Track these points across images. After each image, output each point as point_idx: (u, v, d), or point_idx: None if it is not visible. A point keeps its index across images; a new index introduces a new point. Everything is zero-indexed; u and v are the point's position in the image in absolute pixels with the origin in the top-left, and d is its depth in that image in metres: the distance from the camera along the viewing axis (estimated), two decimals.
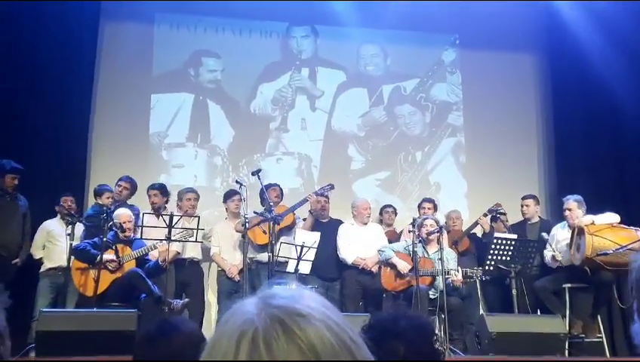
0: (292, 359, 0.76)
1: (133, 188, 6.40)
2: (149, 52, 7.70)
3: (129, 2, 7.60)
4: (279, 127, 7.94)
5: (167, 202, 6.40)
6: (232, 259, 6.32)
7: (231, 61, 7.93)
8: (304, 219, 6.58)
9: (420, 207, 6.92)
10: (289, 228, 6.29)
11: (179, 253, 6.09)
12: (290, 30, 8.14)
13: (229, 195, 6.55)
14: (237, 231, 6.25)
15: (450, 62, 8.39)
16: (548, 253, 6.13)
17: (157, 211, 6.14)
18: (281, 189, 6.65)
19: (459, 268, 5.77)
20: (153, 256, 5.66)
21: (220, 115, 7.81)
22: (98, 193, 6.29)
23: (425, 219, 6.07)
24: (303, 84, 8.10)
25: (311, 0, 7.66)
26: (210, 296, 6.64)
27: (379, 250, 6.08)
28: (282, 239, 5.90)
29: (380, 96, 8.20)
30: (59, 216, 6.22)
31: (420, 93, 8.29)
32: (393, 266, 5.92)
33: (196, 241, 5.77)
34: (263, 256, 6.08)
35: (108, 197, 6.19)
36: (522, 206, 6.71)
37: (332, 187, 6.52)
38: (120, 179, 6.38)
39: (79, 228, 5.84)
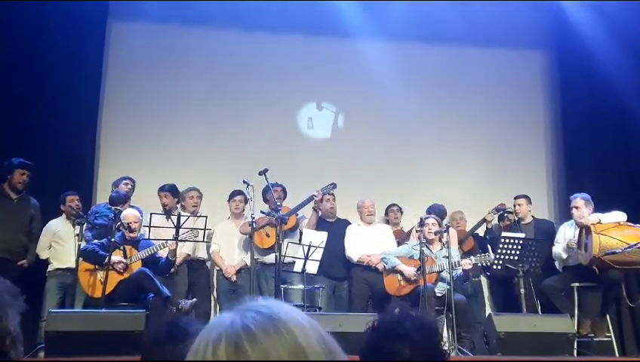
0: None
1: (134, 186, 6.51)
2: (157, 50, 7.72)
3: (136, 2, 7.64)
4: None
5: (178, 203, 6.44)
6: (230, 259, 6.36)
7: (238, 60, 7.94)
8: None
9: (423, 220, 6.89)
10: (292, 230, 6.30)
11: (189, 255, 6.10)
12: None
13: (231, 196, 6.58)
14: (243, 232, 6.26)
15: (457, 60, 8.36)
16: (557, 248, 6.10)
17: (168, 213, 6.15)
18: (284, 189, 6.66)
19: (471, 256, 5.79)
20: (163, 253, 5.69)
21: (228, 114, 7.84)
22: (123, 200, 6.08)
23: (426, 218, 6.04)
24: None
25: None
26: (214, 295, 6.68)
27: (382, 259, 6.08)
28: (288, 240, 5.91)
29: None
30: (64, 215, 6.21)
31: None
32: (399, 273, 5.92)
33: (203, 241, 5.77)
34: (268, 258, 6.11)
35: (129, 204, 6.16)
36: (514, 205, 6.70)
37: (335, 186, 6.52)
38: (124, 178, 6.44)
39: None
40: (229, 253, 6.40)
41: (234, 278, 6.26)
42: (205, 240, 5.84)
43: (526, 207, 6.67)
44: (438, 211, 6.63)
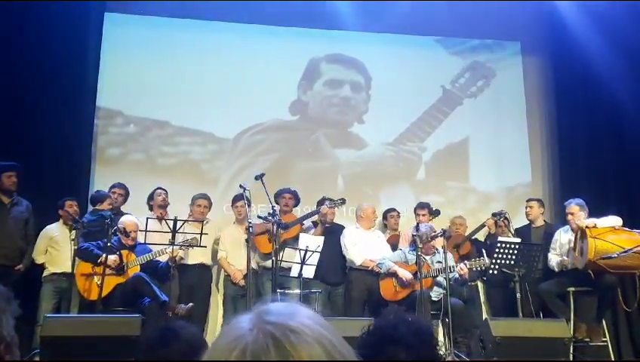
0: None
1: (126, 194, 6.50)
2: (156, 53, 7.71)
3: (134, 3, 7.63)
4: None
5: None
6: (238, 264, 6.35)
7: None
8: (314, 223, 6.57)
9: (415, 213, 6.90)
10: (295, 239, 6.28)
11: (182, 258, 6.11)
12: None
13: (234, 201, 6.58)
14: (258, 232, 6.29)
15: (453, 66, 8.38)
16: (553, 257, 6.13)
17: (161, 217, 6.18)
18: (295, 196, 6.65)
19: (466, 261, 5.77)
20: (162, 258, 5.70)
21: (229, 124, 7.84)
22: (99, 199, 6.20)
23: (429, 233, 5.94)
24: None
25: None
26: (219, 300, 6.67)
27: (377, 263, 6.08)
28: (289, 247, 5.90)
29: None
30: (61, 220, 6.19)
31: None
32: (394, 276, 5.91)
33: (199, 246, 5.76)
34: (267, 263, 6.11)
35: (109, 204, 6.21)
36: (526, 208, 6.71)
37: (344, 202, 6.50)
38: (113, 186, 6.44)
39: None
40: (237, 258, 6.38)
41: (242, 283, 6.25)
42: (202, 245, 5.81)
43: (537, 210, 6.69)
44: (425, 205, 6.78)
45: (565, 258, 6.00)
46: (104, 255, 5.35)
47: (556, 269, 6.10)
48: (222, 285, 6.60)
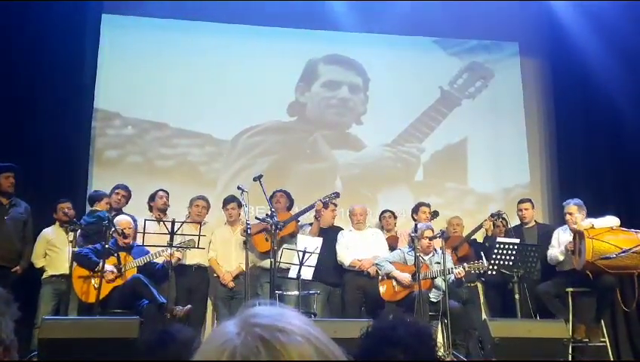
0: None
1: (129, 195, 6.47)
2: (155, 54, 7.70)
3: (133, 2, 7.62)
4: None
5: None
6: (227, 265, 6.34)
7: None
8: (310, 225, 6.57)
9: (417, 211, 6.89)
10: (291, 236, 6.28)
11: (180, 259, 6.10)
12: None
13: (225, 203, 6.56)
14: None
15: (451, 67, 8.39)
16: (553, 251, 6.11)
17: (160, 218, 6.16)
18: (288, 196, 6.64)
19: (464, 264, 5.76)
20: (159, 260, 5.69)
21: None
22: (96, 199, 6.23)
23: (424, 230, 5.98)
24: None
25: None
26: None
27: (376, 264, 6.07)
28: (284, 246, 5.89)
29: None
30: (57, 223, 6.18)
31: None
32: (394, 278, 5.91)
33: (197, 248, 5.75)
34: (266, 263, 6.09)
35: (107, 203, 6.19)
36: (519, 210, 6.73)
37: (337, 195, 6.49)
38: (117, 187, 6.42)
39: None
40: (227, 260, 6.38)
41: (231, 285, 6.25)
42: (200, 246, 5.80)
43: (531, 212, 6.74)
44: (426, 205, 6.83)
45: (559, 254, 6.00)
46: (101, 263, 5.32)
47: (560, 258, 6.04)
48: (212, 286, 6.58)
